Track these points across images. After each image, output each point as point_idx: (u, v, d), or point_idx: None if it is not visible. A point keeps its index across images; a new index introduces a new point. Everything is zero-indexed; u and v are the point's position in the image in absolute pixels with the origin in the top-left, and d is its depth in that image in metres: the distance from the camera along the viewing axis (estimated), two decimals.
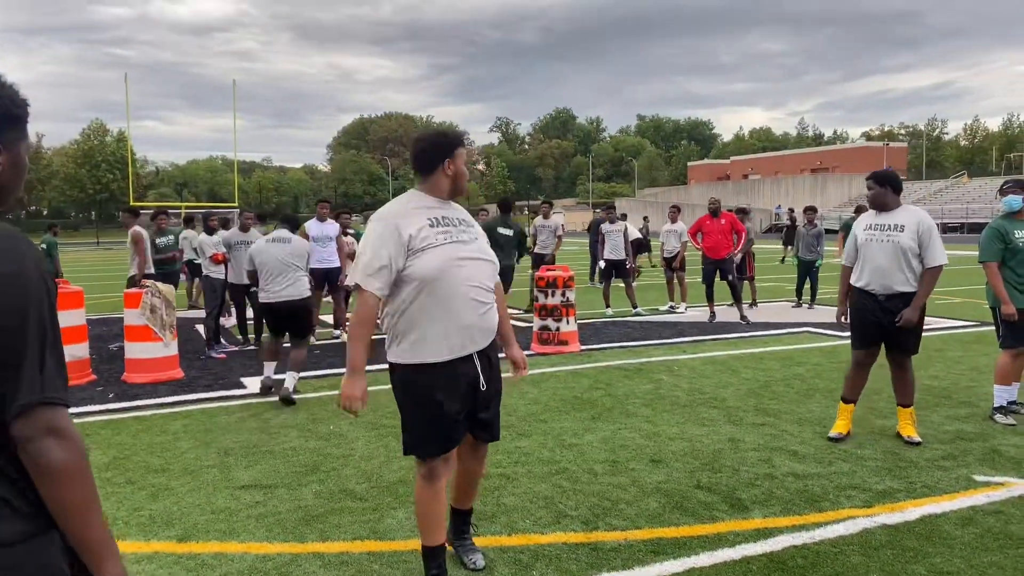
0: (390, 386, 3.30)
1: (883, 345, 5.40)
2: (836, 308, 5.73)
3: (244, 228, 9.90)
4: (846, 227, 12.39)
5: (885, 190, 5.32)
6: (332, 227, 10.22)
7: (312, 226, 9.98)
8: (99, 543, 1.44)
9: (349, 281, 3.15)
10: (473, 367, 3.24)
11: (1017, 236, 5.81)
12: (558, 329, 9.16)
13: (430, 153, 3.29)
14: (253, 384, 7.59)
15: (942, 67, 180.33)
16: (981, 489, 4.40)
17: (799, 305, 13.05)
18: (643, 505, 4.26)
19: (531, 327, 9.67)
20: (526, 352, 9.07)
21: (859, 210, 11.20)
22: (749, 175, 76.92)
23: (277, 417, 6.28)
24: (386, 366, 3.26)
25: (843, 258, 5.67)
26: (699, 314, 12.19)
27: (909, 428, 5.33)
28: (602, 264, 13.04)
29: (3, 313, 1.36)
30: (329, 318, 11.65)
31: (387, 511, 4.22)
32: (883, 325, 5.27)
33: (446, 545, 3.39)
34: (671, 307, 13.19)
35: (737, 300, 11.50)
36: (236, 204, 39.11)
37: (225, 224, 15.39)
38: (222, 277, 9.78)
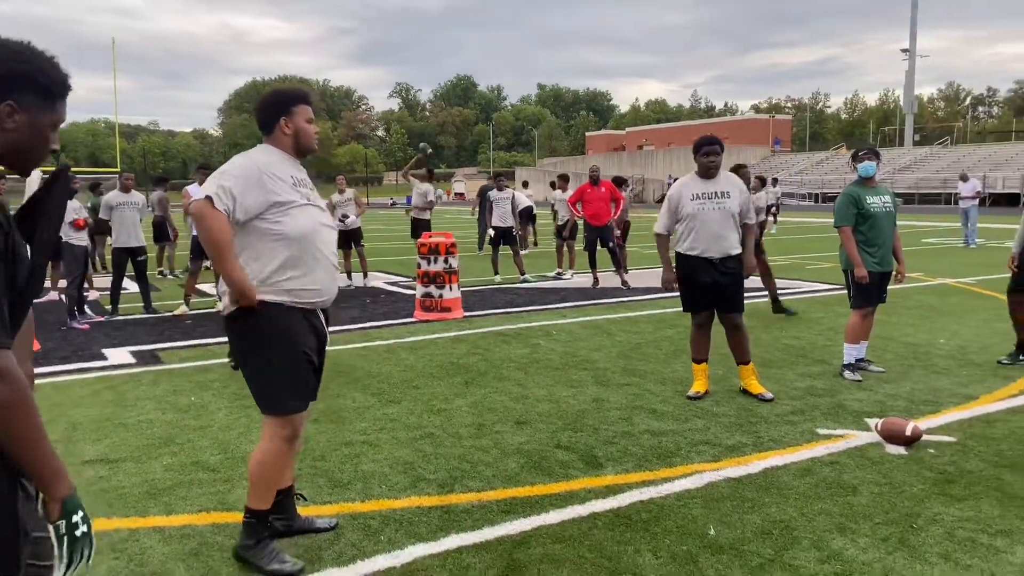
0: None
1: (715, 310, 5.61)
2: (663, 275, 5.73)
3: (125, 189, 9.84)
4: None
5: (721, 157, 5.49)
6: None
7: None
8: (45, 469, 1.57)
9: (202, 192, 3.01)
10: (321, 322, 3.27)
11: (869, 202, 6.10)
12: (441, 296, 9.11)
13: (266, 112, 3.19)
14: (115, 355, 7.23)
15: (826, 43, 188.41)
16: (822, 441, 4.64)
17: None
18: (502, 466, 4.29)
19: (414, 294, 9.59)
20: (409, 320, 9.04)
21: (762, 180, 11.48)
22: (644, 146, 78.45)
23: (136, 389, 6.01)
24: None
25: (658, 227, 5.70)
26: (584, 280, 12.39)
27: (756, 385, 5.57)
28: (491, 232, 13.05)
29: None
30: (208, 287, 11.26)
31: (239, 482, 4.09)
32: (721, 286, 5.46)
33: None
34: (558, 274, 13.34)
35: (618, 266, 11.73)
36: (118, 169, 37.14)
37: (95, 188, 14.63)
38: (84, 244, 9.25)
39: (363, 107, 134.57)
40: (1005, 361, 6.46)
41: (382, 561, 3.23)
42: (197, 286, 10.27)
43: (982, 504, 3.72)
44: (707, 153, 5.47)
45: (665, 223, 5.64)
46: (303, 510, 3.59)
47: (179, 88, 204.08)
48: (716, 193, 5.44)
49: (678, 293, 5.74)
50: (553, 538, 3.42)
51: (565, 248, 13.48)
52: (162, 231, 14.30)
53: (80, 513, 1.62)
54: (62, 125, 1.72)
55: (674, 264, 5.68)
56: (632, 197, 15.88)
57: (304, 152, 3.26)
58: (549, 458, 4.41)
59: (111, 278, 9.73)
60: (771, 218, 22.61)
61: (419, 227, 12.89)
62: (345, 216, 11.86)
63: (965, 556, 3.21)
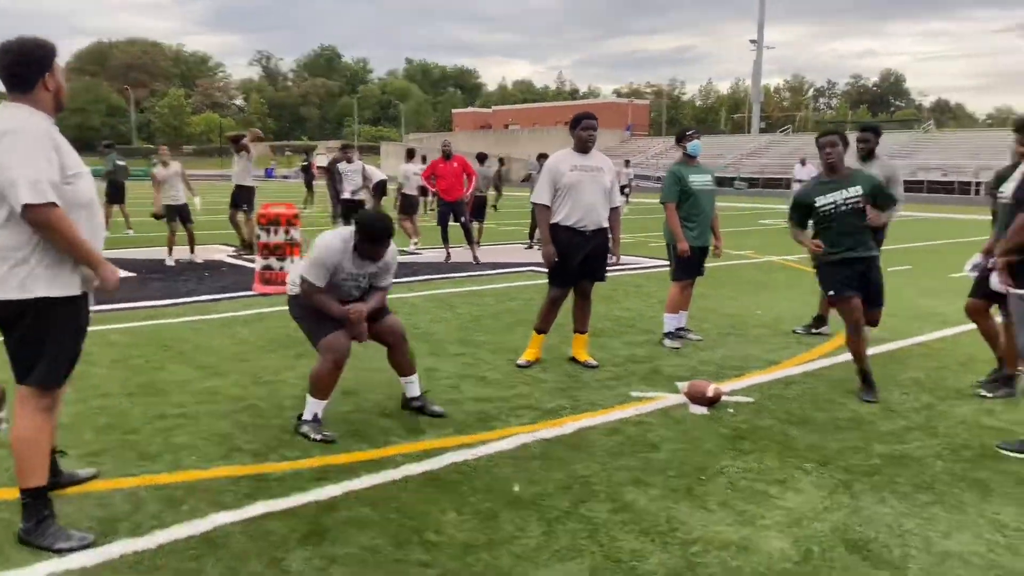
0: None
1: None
2: (544, 248, 5.61)
3: None
4: None
5: (597, 133, 5.71)
6: None
7: None
8: None
9: (31, 199, 2.73)
10: (86, 303, 3.19)
11: (691, 180, 6.45)
12: (282, 268, 8.89)
13: (28, 67, 2.93)
14: None
15: (683, 32, 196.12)
16: (634, 403, 4.91)
17: (531, 247, 13.72)
18: None
19: (254, 267, 9.32)
20: (248, 293, 8.78)
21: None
22: (510, 125, 79.10)
23: None
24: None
25: (540, 198, 5.64)
26: (437, 255, 12.42)
27: (584, 353, 5.82)
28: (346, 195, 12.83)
29: None
30: None
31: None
32: (589, 257, 5.64)
33: None
34: (415, 245, 13.34)
35: (469, 241, 11.84)
36: None
37: None
38: None
39: (220, 74, 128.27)
40: (798, 331, 7.02)
41: (181, 530, 3.16)
42: None
43: (765, 457, 4.06)
44: (585, 127, 5.63)
45: (547, 193, 5.59)
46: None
47: None
48: (592, 167, 5.61)
49: (544, 269, 5.76)
50: (362, 501, 3.46)
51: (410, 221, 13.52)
52: None
53: None
54: None
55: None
56: (497, 175, 16.15)
57: (59, 110, 3.08)
58: (372, 426, 4.45)
59: None
60: (624, 198, 23.38)
61: (243, 195, 12.28)
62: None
63: (742, 502, 3.51)
